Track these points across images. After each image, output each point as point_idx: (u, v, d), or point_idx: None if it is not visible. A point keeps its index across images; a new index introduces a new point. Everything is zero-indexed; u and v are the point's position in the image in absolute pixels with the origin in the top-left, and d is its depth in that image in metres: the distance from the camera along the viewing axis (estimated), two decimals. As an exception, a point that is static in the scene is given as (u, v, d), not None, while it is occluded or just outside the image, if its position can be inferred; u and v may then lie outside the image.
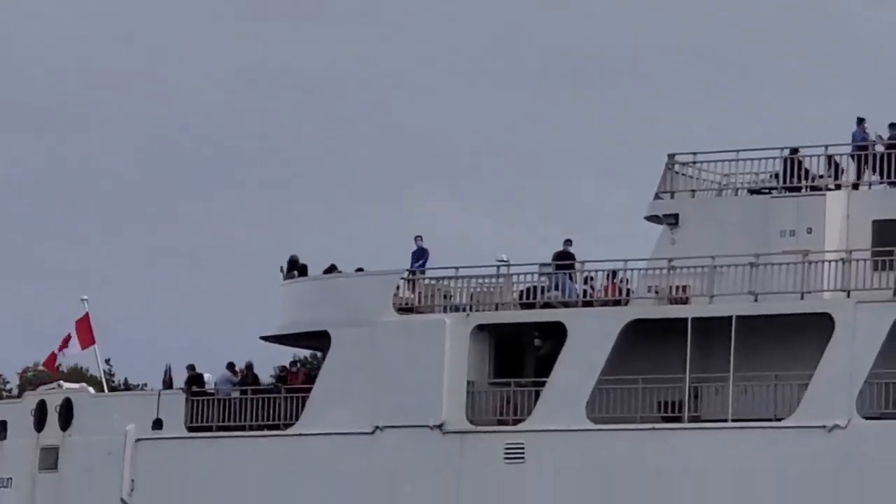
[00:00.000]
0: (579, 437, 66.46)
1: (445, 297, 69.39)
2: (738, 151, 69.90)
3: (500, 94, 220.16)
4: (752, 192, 69.07)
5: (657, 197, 68.62)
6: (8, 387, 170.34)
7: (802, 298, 64.23)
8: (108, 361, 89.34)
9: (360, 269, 72.61)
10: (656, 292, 66.49)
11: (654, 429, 65.19)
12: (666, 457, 65.17)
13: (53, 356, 79.91)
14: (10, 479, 78.65)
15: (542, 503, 67.58)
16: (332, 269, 73.81)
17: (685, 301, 65.12)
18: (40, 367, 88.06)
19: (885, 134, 66.03)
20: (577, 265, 68.07)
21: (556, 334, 66.33)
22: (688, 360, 64.56)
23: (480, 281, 69.15)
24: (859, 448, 64.41)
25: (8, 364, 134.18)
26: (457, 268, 69.61)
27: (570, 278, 67.91)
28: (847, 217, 66.85)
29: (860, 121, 66.44)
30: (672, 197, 68.45)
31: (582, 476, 66.77)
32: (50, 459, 77.93)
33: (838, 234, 66.30)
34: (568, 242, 67.90)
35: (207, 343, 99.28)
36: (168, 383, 75.94)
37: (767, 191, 68.25)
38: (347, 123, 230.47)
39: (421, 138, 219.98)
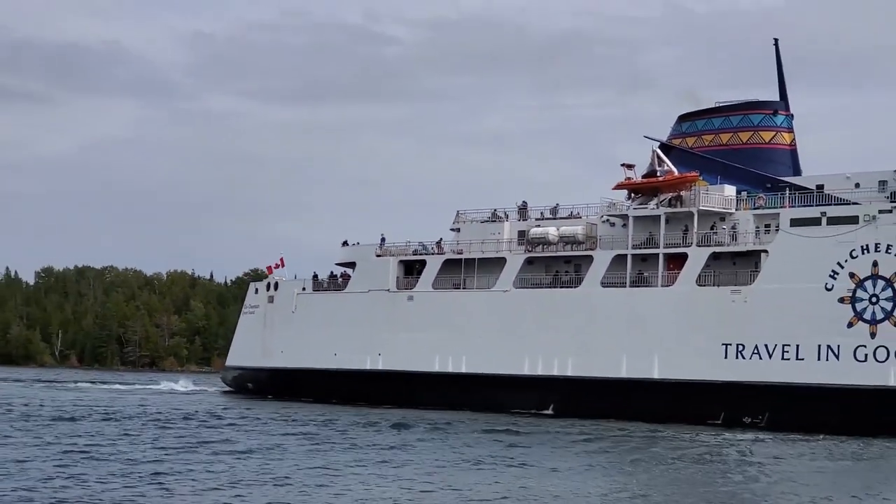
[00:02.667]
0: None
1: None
2: (479, 210, 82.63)
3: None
4: (482, 222, 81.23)
5: (455, 221, 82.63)
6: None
7: (497, 253, 78.60)
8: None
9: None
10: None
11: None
12: (446, 305, 78.70)
13: (270, 268, 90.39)
14: (257, 306, 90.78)
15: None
16: (351, 243, 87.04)
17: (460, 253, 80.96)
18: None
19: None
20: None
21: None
22: (463, 273, 79.92)
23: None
24: (515, 300, 76.39)
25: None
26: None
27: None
28: (510, 230, 79.36)
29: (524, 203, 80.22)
30: (458, 224, 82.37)
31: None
32: (271, 299, 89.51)
33: (507, 234, 79.31)
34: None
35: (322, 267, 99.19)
36: (314, 279, 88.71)
37: (489, 221, 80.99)
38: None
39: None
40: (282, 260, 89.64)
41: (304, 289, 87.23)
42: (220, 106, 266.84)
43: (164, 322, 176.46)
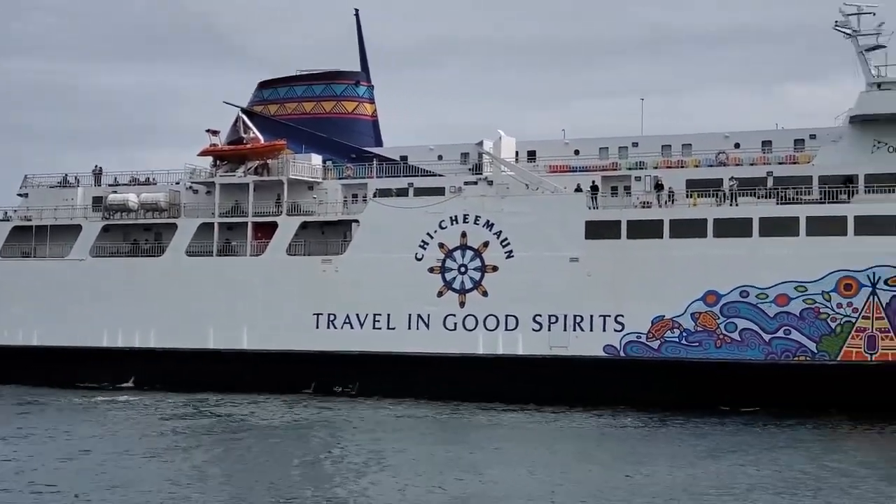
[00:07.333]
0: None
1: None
2: (49, 174, 76.76)
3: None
4: (51, 187, 75.30)
5: (22, 185, 76.54)
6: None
7: (71, 220, 73.33)
8: None
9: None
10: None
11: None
12: (13, 275, 72.92)
13: None
14: None
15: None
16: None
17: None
18: None
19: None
20: None
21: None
22: (34, 241, 74.25)
23: None
24: (93, 270, 71.49)
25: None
26: None
27: None
28: (84, 195, 74.31)
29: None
30: (27, 189, 76.13)
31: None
32: None
33: (81, 200, 74.15)
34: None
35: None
36: None
37: (59, 186, 75.18)
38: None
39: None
40: None
41: None
42: None
43: None
